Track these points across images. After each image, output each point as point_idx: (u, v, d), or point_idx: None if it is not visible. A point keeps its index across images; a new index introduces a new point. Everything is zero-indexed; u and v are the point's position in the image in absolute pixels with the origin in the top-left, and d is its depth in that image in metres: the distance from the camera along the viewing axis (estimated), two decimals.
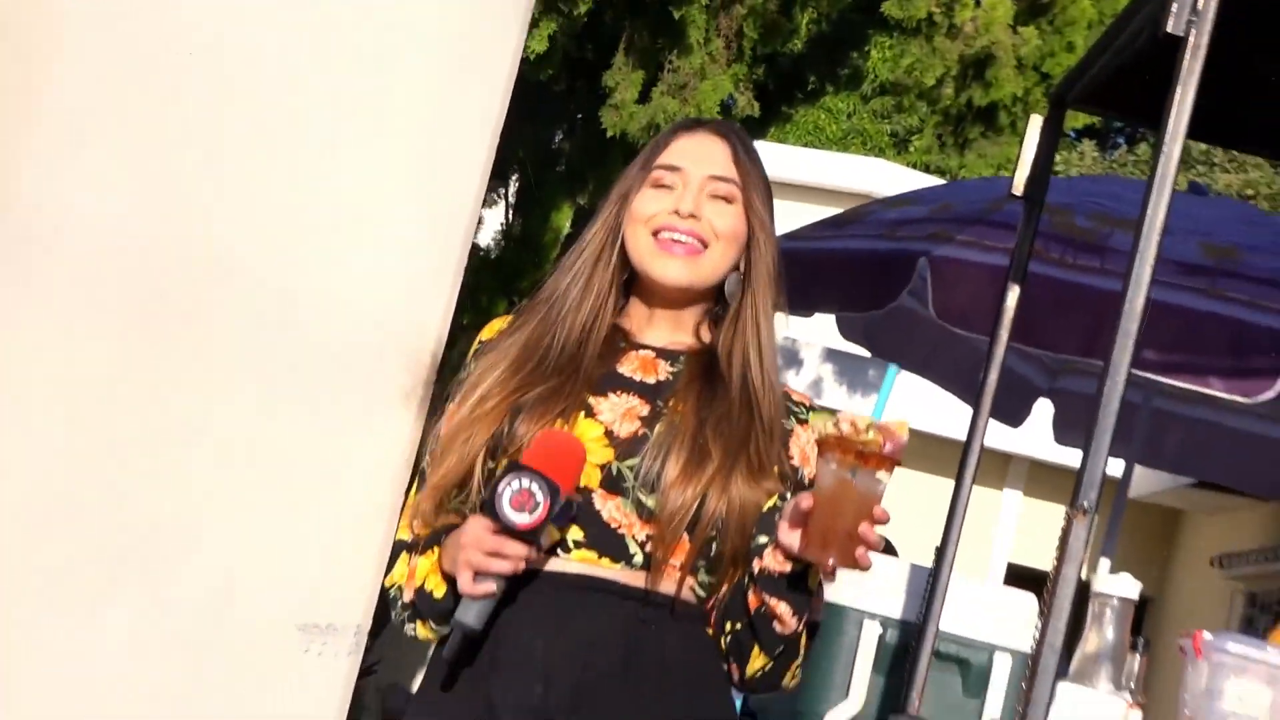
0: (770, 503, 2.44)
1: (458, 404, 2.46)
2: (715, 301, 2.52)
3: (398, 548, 2.49)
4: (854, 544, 2.19)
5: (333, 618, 2.96)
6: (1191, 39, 2.77)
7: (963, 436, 4.25)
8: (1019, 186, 3.88)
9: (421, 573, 2.33)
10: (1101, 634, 2.92)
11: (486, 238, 11.54)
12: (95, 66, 2.94)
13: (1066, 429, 7.25)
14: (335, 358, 3.01)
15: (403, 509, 2.50)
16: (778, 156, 17.91)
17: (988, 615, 5.15)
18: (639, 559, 2.30)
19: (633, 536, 2.31)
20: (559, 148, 11.25)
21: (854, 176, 18.84)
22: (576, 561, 2.30)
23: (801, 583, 2.29)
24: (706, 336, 2.51)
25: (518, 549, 2.17)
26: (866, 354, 9.23)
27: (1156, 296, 4.51)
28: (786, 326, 2.53)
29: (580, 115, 10.72)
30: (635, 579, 2.31)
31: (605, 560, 2.31)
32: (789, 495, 2.42)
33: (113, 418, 2.97)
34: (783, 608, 2.29)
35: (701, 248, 2.39)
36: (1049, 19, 11.55)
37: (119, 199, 2.98)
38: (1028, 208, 4.00)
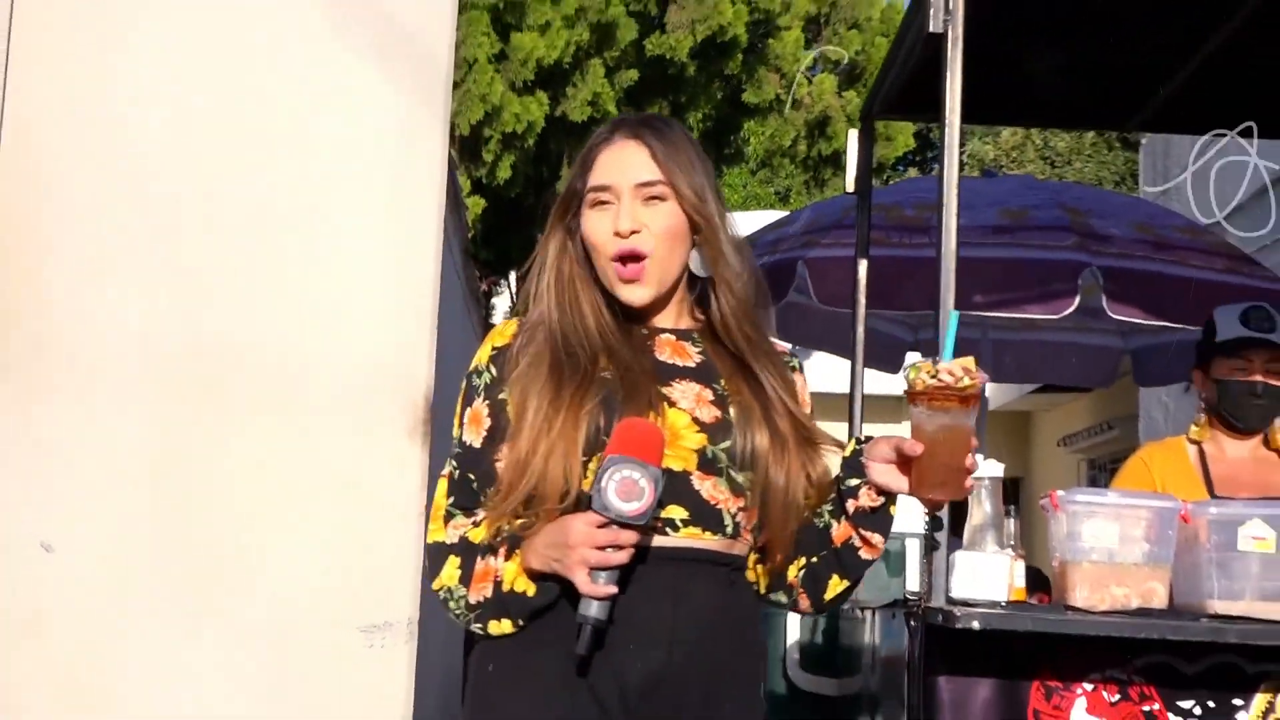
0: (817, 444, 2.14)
1: (513, 426, 2.01)
2: (690, 280, 2.15)
3: (439, 550, 2.06)
4: (963, 477, 1.95)
5: (387, 616, 2.85)
6: (950, 33, 2.64)
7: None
8: (850, 185, 3.99)
9: (509, 577, 1.96)
10: (982, 508, 2.88)
11: (498, 316, 11.96)
12: (100, 204, 2.89)
13: None
14: (348, 413, 2.90)
15: (429, 515, 2.12)
16: (751, 219, 18.18)
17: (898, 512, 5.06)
18: (731, 529, 1.99)
19: (728, 510, 1.99)
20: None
21: (754, 225, 18.83)
22: (684, 537, 1.97)
23: (886, 515, 2.03)
24: (700, 314, 2.17)
25: (631, 537, 1.83)
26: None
27: (974, 254, 4.89)
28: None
29: (548, 216, 10.32)
30: (729, 546, 1.99)
31: (707, 534, 1.98)
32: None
33: (172, 481, 2.86)
34: (876, 538, 2.02)
35: (646, 259, 2.04)
36: (863, 82, 11.53)
37: (140, 308, 2.88)
38: (860, 201, 4.10)
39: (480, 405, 2.08)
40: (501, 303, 11.93)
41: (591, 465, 1.91)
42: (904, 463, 1.96)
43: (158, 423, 2.85)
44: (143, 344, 2.86)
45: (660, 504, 1.86)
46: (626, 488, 1.78)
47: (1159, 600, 2.76)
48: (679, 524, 1.96)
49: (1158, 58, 3.59)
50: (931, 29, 2.70)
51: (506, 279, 11.63)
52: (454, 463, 2.09)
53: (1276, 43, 3.39)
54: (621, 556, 1.83)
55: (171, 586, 2.81)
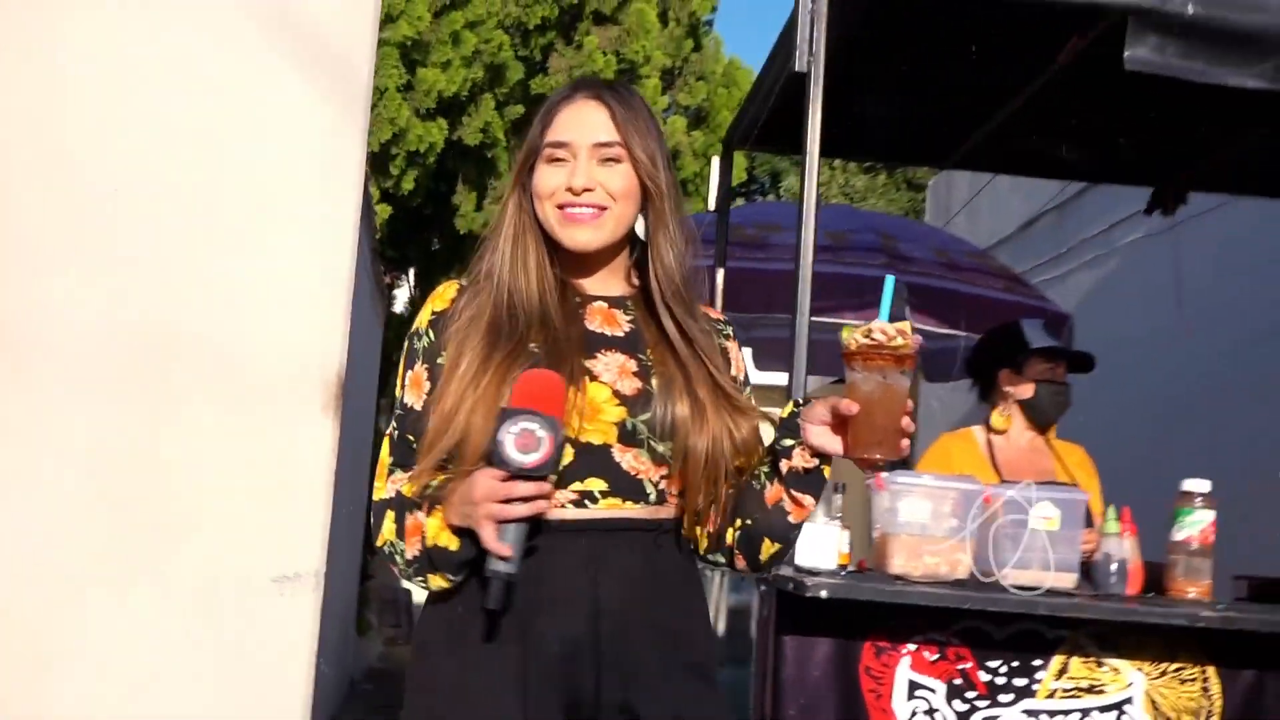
0: (741, 409, 1.84)
1: (443, 378, 1.76)
2: (633, 245, 1.88)
3: (380, 507, 1.80)
4: (899, 437, 1.67)
5: (297, 568, 2.67)
6: (812, 72, 2.47)
7: None
8: (712, 205, 3.79)
9: (432, 532, 1.68)
10: None
11: (400, 305, 11.74)
12: (40, 197, 2.67)
13: (762, 359, 7.17)
14: (268, 389, 2.70)
15: (374, 473, 1.85)
16: None
17: None
18: (654, 496, 1.74)
19: (649, 479, 1.73)
20: (436, 246, 10.80)
21: None
22: (605, 508, 1.71)
23: (820, 476, 1.76)
24: (637, 280, 1.88)
25: (530, 489, 1.56)
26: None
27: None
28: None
29: (440, 224, 10.29)
30: (651, 513, 1.74)
31: (628, 503, 1.72)
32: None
33: (112, 451, 2.63)
34: (807, 499, 1.75)
35: (600, 212, 1.78)
36: (706, 124, 11.50)
37: (85, 298, 2.65)
38: (719, 217, 4.04)
39: (420, 369, 1.81)
40: (402, 294, 11.75)
41: None
42: (840, 424, 1.69)
43: (97, 401, 2.62)
44: (86, 330, 2.63)
45: (566, 466, 1.66)
46: (525, 440, 1.54)
47: (963, 569, 2.72)
48: (598, 495, 1.71)
49: (973, 107, 3.52)
50: (796, 68, 2.53)
51: (406, 275, 11.49)
52: (395, 424, 1.83)
53: (1069, 104, 3.33)
54: (523, 509, 1.57)
55: (107, 549, 2.60)
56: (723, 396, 1.77)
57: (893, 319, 1.65)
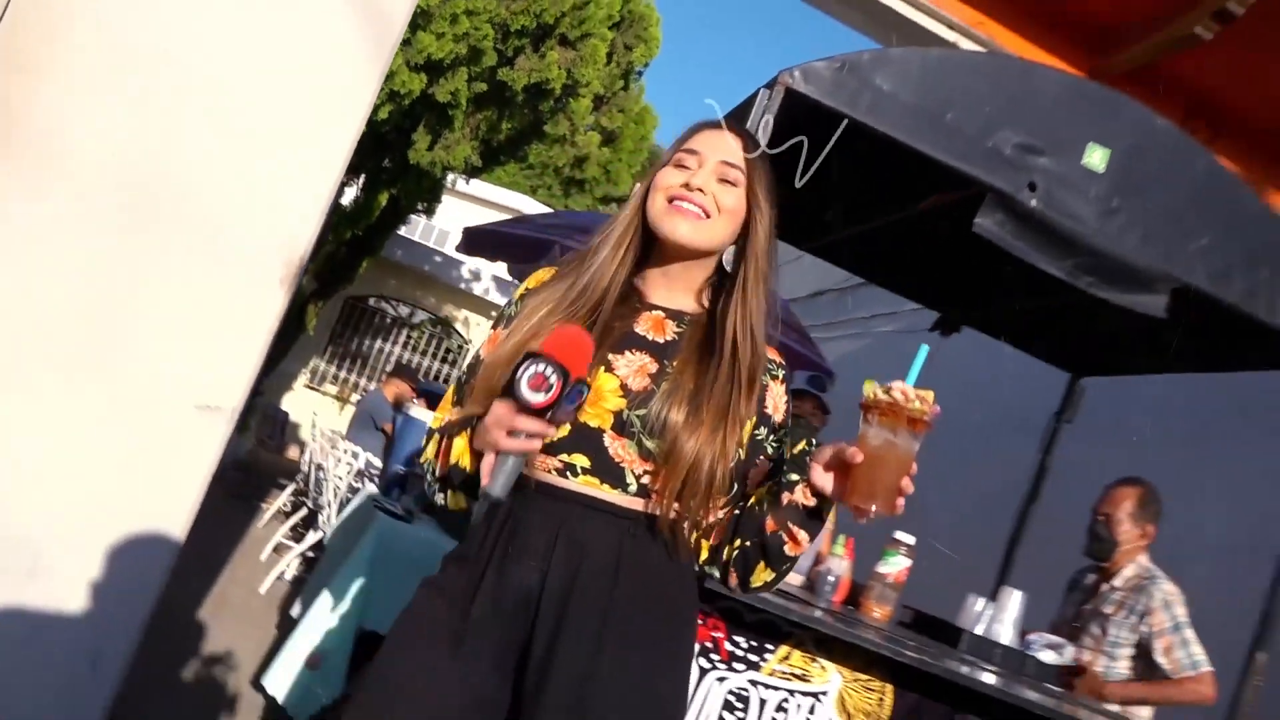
0: (740, 443, 1.48)
1: (507, 333, 1.47)
2: (716, 272, 1.54)
3: (430, 434, 1.53)
4: (895, 495, 1.35)
5: (219, 401, 2.33)
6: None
7: None
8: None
9: (457, 451, 1.43)
10: None
11: (348, 200, 11.05)
12: (94, 39, 2.23)
13: None
14: (245, 250, 2.33)
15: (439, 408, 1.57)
16: (510, 197, 17.52)
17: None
18: (634, 488, 1.42)
19: (631, 470, 1.42)
20: (387, 164, 10.15)
21: (513, 200, 18.12)
22: (581, 483, 1.42)
23: (818, 515, 1.44)
24: (707, 302, 1.54)
25: (532, 425, 1.29)
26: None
27: None
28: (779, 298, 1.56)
29: (397, 150, 9.74)
30: (628, 503, 1.42)
31: (605, 486, 1.42)
32: (764, 438, 1.53)
33: (97, 268, 2.23)
34: (802, 534, 1.43)
35: (705, 216, 1.46)
36: (613, 146, 11.41)
37: (105, 134, 2.23)
38: None
39: (501, 331, 1.51)
40: (350, 192, 10.97)
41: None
42: (844, 471, 1.39)
43: (94, 224, 2.22)
44: (101, 162, 2.21)
45: (559, 439, 1.39)
46: (537, 381, 1.28)
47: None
48: (580, 470, 1.42)
49: (846, 212, 3.33)
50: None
51: (357, 180, 10.67)
52: (466, 371, 1.54)
53: (906, 233, 3.18)
54: (519, 443, 1.30)
55: (68, 343, 2.22)
56: (732, 424, 1.43)
57: (918, 386, 1.37)
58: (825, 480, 1.40)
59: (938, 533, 6.06)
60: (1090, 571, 3.55)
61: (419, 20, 8.25)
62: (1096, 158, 2.49)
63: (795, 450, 1.52)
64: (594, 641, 1.38)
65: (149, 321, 2.25)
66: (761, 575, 1.48)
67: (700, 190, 1.46)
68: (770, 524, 1.44)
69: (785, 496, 1.44)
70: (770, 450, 1.53)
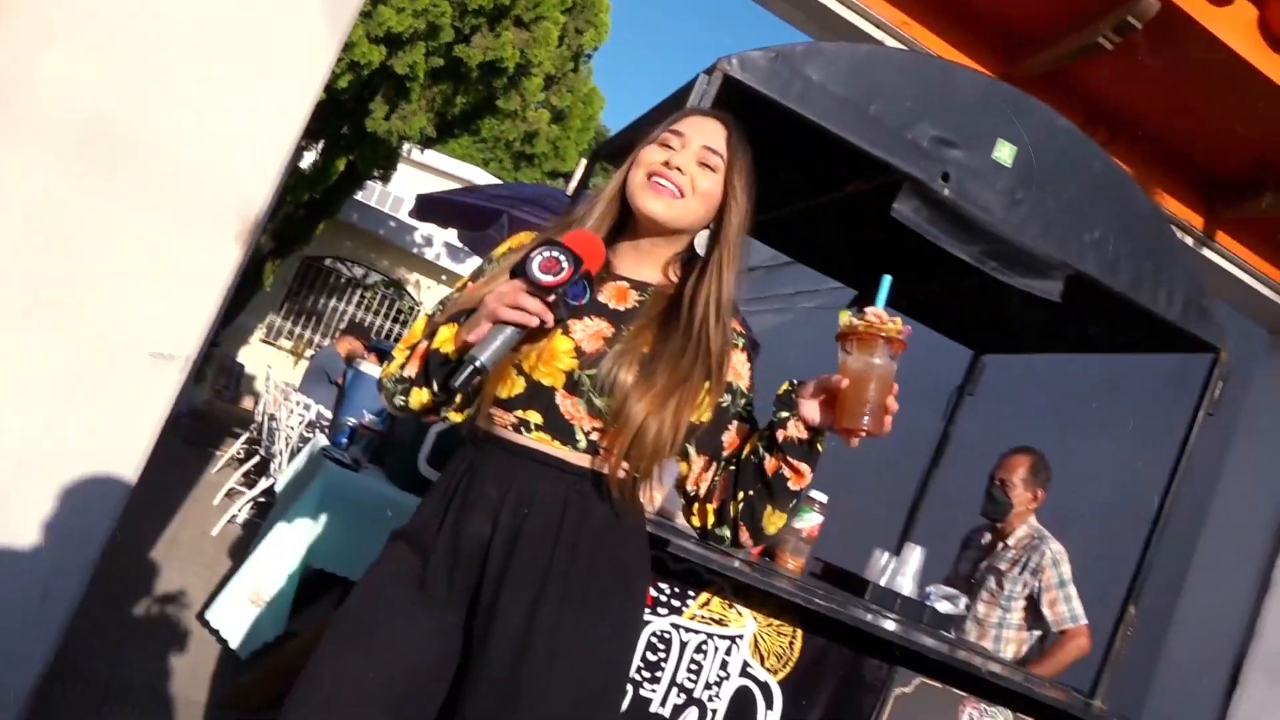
0: (703, 410, 1.44)
1: (485, 280, 1.43)
2: (686, 250, 1.48)
3: (392, 358, 1.46)
4: (883, 414, 1.32)
5: (174, 351, 2.27)
6: None
7: None
8: (570, 192, 3.38)
9: (441, 338, 1.37)
10: None
11: (306, 163, 10.81)
12: None
13: None
14: (203, 205, 2.27)
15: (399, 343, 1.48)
16: (463, 168, 17.10)
17: None
18: (583, 444, 1.37)
19: (580, 427, 1.37)
20: (345, 131, 9.90)
21: (466, 171, 17.75)
22: (533, 439, 1.37)
23: (814, 446, 1.40)
24: (674, 276, 1.48)
25: (535, 304, 1.26)
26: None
27: None
28: (744, 284, 1.48)
29: (356, 118, 9.52)
30: (578, 459, 1.37)
31: (556, 442, 1.37)
32: (729, 404, 1.47)
33: (57, 216, 2.17)
34: (803, 466, 1.39)
35: (680, 195, 1.41)
36: (562, 125, 11.38)
37: (66, 84, 2.16)
38: (572, 202, 3.59)
39: (469, 284, 1.47)
40: (309, 157, 10.74)
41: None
42: (830, 400, 1.36)
43: (56, 172, 2.14)
44: (65, 112, 2.14)
45: (514, 394, 1.36)
46: (549, 264, 1.26)
47: (656, 504, 2.56)
48: (533, 426, 1.38)
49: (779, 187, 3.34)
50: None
51: (316, 144, 10.43)
52: (439, 307, 1.48)
53: (828, 216, 3.20)
54: (519, 316, 1.27)
55: (25, 289, 2.15)
56: (687, 394, 1.38)
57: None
58: (814, 411, 1.38)
59: (850, 492, 6.18)
60: (984, 531, 3.64)
61: None
62: (1005, 153, 2.52)
63: (780, 391, 1.44)
64: (533, 591, 1.35)
65: (106, 269, 2.18)
66: (772, 519, 1.44)
67: (679, 170, 1.42)
68: (770, 464, 1.41)
69: (780, 434, 1.40)
70: (742, 413, 1.49)
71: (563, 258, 1.26)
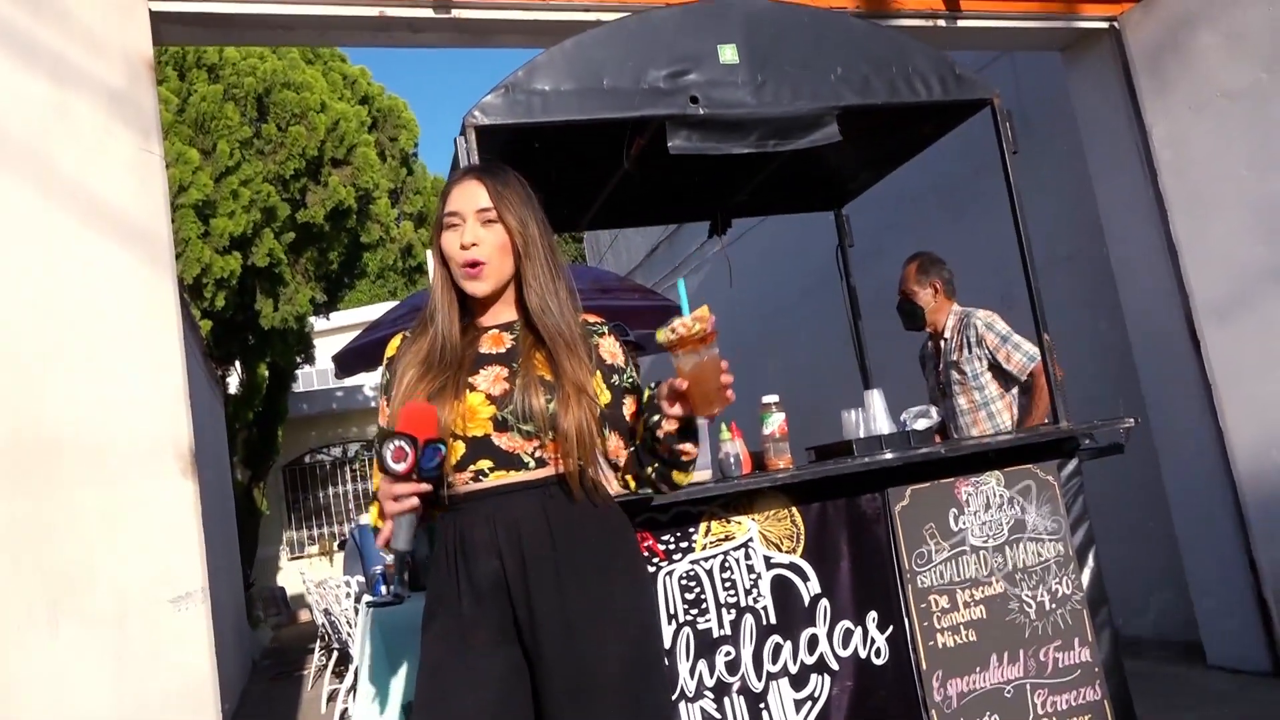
0: (602, 395, 1.73)
1: (394, 394, 1.71)
2: (519, 282, 1.75)
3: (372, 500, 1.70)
4: (724, 391, 1.58)
5: (186, 588, 2.57)
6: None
7: None
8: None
9: (371, 517, 1.65)
10: None
11: (233, 388, 11.12)
12: None
13: None
14: (139, 468, 2.59)
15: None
16: (373, 311, 17.28)
17: None
18: (533, 464, 1.65)
19: (524, 453, 1.65)
20: (251, 341, 10.16)
21: (381, 310, 17.99)
22: (494, 479, 1.65)
23: (691, 428, 1.66)
24: (523, 306, 1.76)
25: (406, 488, 1.52)
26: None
27: None
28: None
29: (252, 325, 9.83)
30: (534, 475, 1.65)
31: (511, 472, 1.65)
32: (619, 382, 1.77)
33: (24, 531, 2.47)
34: (687, 445, 1.65)
35: (482, 265, 1.69)
36: (428, 220, 11.68)
37: None
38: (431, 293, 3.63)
39: (382, 400, 1.77)
40: (233, 380, 11.01)
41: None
42: (680, 396, 1.60)
43: (11, 487, 2.45)
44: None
45: (460, 455, 1.63)
46: (398, 454, 1.51)
47: (614, 487, 2.75)
48: (488, 471, 1.66)
49: (589, 189, 3.66)
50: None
51: (233, 365, 10.65)
52: (376, 443, 1.72)
53: (647, 179, 3.52)
54: (402, 505, 1.52)
55: (34, 599, 2.44)
56: (584, 385, 1.68)
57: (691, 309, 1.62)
58: (674, 409, 1.62)
59: (805, 381, 6.49)
60: (926, 341, 3.96)
61: (206, 211, 8.32)
62: (729, 54, 2.86)
63: (646, 398, 1.72)
64: (556, 584, 1.62)
65: (88, 554, 2.47)
66: (681, 478, 1.71)
67: (474, 244, 1.69)
68: (662, 449, 1.67)
69: (660, 432, 1.65)
70: (628, 386, 1.77)
71: (403, 444, 1.52)
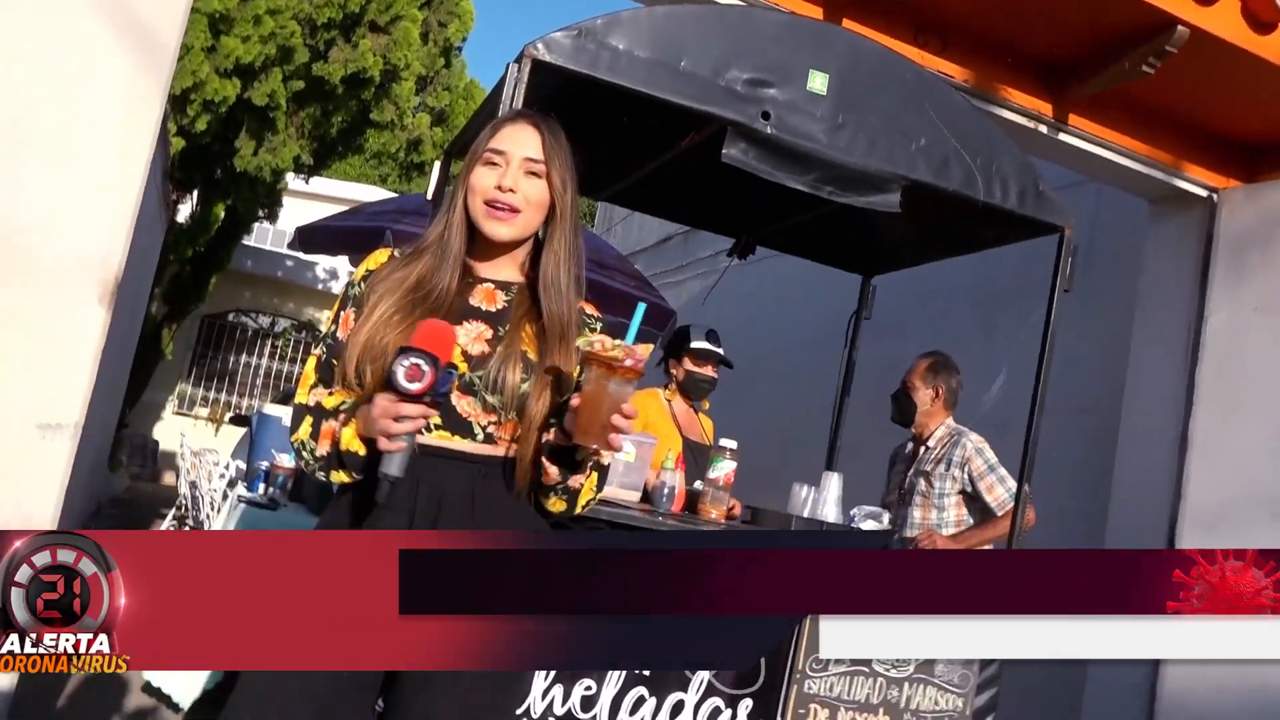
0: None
1: (362, 318, 1.67)
2: (534, 245, 1.77)
3: (299, 410, 1.69)
4: (608, 433, 1.55)
5: (60, 419, 2.55)
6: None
7: None
8: (429, 195, 3.70)
9: (346, 438, 1.60)
10: None
11: (182, 217, 10.82)
12: None
13: None
14: (59, 280, 2.57)
15: (298, 380, 1.73)
16: (355, 189, 17.17)
17: None
18: (481, 437, 1.64)
19: (477, 423, 1.64)
20: (217, 175, 9.99)
21: (363, 195, 17.87)
22: (435, 438, 1.63)
23: (570, 453, 1.63)
24: (528, 269, 1.77)
25: (415, 409, 1.50)
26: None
27: None
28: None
29: (224, 159, 9.62)
30: (478, 449, 1.64)
31: (456, 437, 1.64)
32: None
33: None
34: (553, 469, 1.63)
35: (516, 213, 1.69)
36: (445, 124, 11.59)
37: None
38: (433, 208, 3.66)
39: (349, 311, 1.71)
40: (185, 209, 10.78)
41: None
42: (574, 413, 1.59)
43: None
44: None
45: (454, 385, 1.60)
46: (413, 372, 1.48)
47: None
48: (432, 427, 1.63)
49: (623, 162, 3.65)
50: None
51: (190, 195, 10.43)
52: (323, 347, 1.72)
53: (686, 174, 3.52)
54: (407, 425, 1.49)
55: None
56: (560, 379, 1.68)
57: (640, 340, 1.60)
58: (564, 421, 1.62)
59: (772, 435, 6.54)
60: (907, 442, 4.01)
61: (220, 26, 8.18)
62: (818, 82, 2.87)
63: (561, 400, 1.68)
64: None
65: None
66: (554, 505, 1.69)
67: (510, 190, 1.68)
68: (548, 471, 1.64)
69: (546, 436, 1.65)
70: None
71: (422, 362, 1.48)
